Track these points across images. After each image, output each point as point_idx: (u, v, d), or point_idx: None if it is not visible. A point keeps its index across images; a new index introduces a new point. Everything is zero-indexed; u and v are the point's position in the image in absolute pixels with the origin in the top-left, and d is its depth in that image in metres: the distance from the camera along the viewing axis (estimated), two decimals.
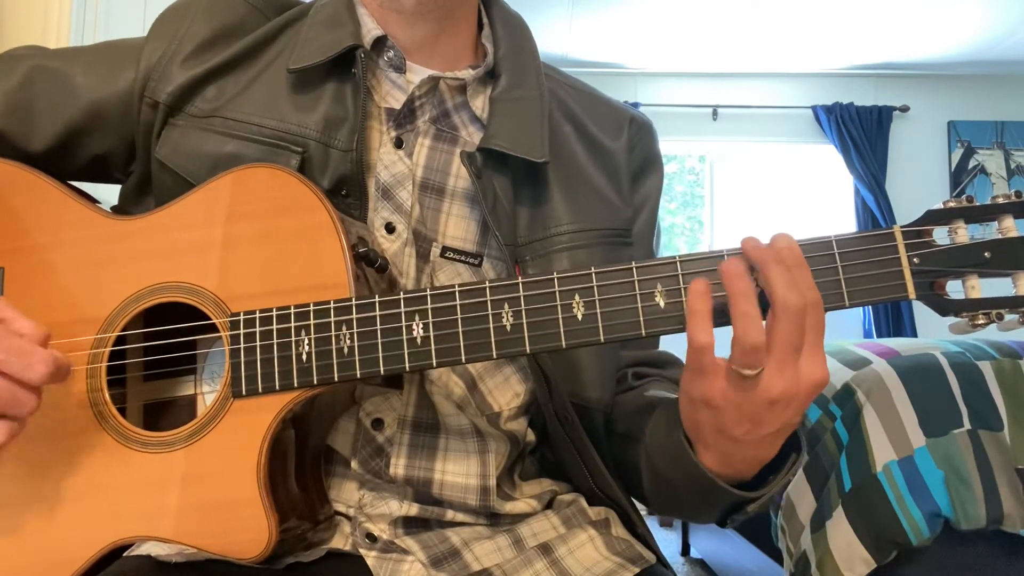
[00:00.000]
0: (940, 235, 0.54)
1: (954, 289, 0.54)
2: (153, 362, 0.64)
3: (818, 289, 0.51)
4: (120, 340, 0.61)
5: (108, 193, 0.73)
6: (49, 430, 0.59)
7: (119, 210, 0.72)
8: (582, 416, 0.68)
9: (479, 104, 0.72)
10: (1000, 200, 0.54)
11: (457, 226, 0.68)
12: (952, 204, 0.54)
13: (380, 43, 0.70)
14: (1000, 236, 0.53)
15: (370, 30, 0.70)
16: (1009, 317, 0.53)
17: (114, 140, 0.70)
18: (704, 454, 0.57)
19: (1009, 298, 0.53)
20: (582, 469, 0.70)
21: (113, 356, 0.61)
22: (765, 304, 0.51)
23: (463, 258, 0.67)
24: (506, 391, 0.68)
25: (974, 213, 0.54)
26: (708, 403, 0.53)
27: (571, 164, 0.74)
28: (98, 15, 1.69)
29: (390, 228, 0.67)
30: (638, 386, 0.75)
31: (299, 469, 0.61)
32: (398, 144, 0.68)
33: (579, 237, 0.71)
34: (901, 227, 0.54)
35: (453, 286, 0.55)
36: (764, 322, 0.51)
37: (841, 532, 1.39)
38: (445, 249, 0.67)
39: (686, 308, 0.52)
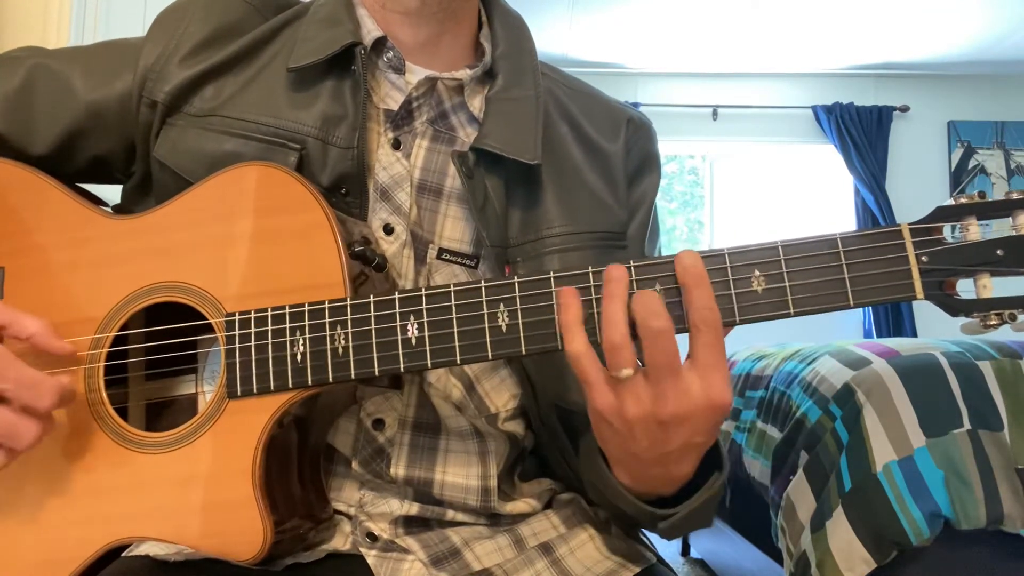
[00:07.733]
0: (950, 233, 0.52)
1: (965, 288, 0.52)
2: (152, 362, 0.64)
3: (717, 309, 0.50)
4: (118, 340, 0.61)
5: (111, 193, 0.73)
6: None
7: (121, 210, 0.72)
8: (565, 420, 0.68)
9: (476, 104, 0.72)
10: (1015, 195, 0.51)
11: (454, 228, 0.68)
12: (964, 200, 0.51)
13: (380, 44, 0.69)
14: (1014, 233, 0.50)
15: (370, 31, 0.69)
16: (1022, 317, 0.51)
17: (114, 141, 0.70)
18: (615, 467, 0.58)
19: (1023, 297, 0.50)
20: (568, 472, 0.70)
21: (112, 356, 0.61)
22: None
23: (459, 259, 0.67)
24: (503, 392, 0.67)
25: (987, 209, 0.51)
26: (603, 416, 0.53)
27: (566, 165, 0.73)
28: (98, 15, 1.69)
29: (388, 229, 0.66)
30: None
31: (298, 469, 0.61)
32: (396, 145, 0.68)
33: (571, 239, 0.70)
34: (909, 224, 0.51)
35: (448, 286, 0.55)
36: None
37: (841, 532, 1.38)
38: (442, 251, 0.66)
39: (557, 322, 0.52)
